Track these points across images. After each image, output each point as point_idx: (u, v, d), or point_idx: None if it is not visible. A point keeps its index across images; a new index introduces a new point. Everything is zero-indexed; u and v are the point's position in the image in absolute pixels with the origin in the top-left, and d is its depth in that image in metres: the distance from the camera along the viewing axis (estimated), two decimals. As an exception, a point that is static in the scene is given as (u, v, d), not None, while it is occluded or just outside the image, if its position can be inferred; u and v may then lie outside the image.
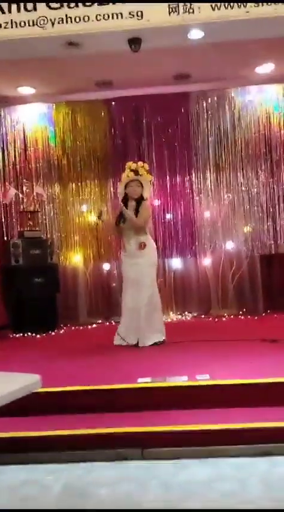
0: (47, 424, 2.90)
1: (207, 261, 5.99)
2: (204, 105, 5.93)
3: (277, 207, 5.88)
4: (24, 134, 6.05)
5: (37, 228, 5.82)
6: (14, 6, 3.92)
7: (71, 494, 2.38)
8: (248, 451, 2.67)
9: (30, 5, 3.91)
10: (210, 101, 5.92)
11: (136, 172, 4.37)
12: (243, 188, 5.90)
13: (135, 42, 4.03)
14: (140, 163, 4.44)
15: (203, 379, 3.20)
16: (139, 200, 4.39)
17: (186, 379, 3.21)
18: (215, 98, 5.92)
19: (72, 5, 3.89)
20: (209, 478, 2.46)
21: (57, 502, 2.31)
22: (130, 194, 4.41)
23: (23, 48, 4.15)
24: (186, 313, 5.95)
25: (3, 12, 3.94)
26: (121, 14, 3.88)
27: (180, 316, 5.87)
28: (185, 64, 5.23)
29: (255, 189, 5.89)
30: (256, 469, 2.52)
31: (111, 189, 6.03)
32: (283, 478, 2.42)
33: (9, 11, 3.95)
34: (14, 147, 6.05)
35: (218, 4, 3.82)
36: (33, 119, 6.03)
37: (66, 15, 3.91)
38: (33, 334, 5.31)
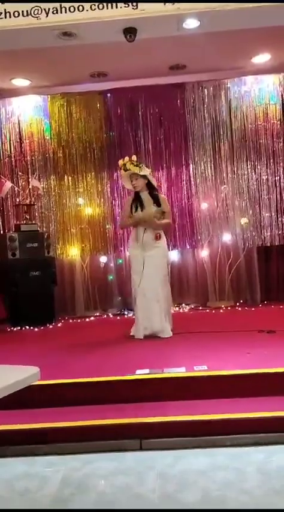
0: (45, 417, 2.91)
1: (204, 253, 5.99)
2: (200, 95, 5.89)
3: (274, 198, 5.87)
4: (19, 127, 5.99)
5: (33, 221, 5.79)
6: (7, -4, 3.88)
7: (69, 485, 2.40)
8: (245, 440, 2.69)
9: (24, -5, 3.87)
10: (206, 91, 5.89)
11: (125, 168, 4.33)
12: (240, 179, 5.88)
13: (130, 32, 4.00)
14: (126, 158, 4.36)
15: (201, 370, 3.21)
16: (151, 191, 4.37)
17: (184, 370, 3.23)
18: (212, 89, 5.88)
19: (67, -6, 3.85)
20: (207, 468, 2.48)
21: (56, 494, 2.33)
22: (134, 189, 4.40)
23: (17, 38, 4.11)
24: (183, 305, 5.96)
25: (-3, 3, 3.89)
26: (116, 3, 3.83)
27: (177, 308, 5.88)
28: (181, 55, 5.18)
29: (252, 180, 5.87)
30: (253, 459, 2.54)
31: (108, 181, 6.00)
32: (280, 467, 2.44)
33: (3, 1, 3.90)
34: (9, 139, 6.00)
35: (214, -7, 3.79)
36: (28, 111, 5.98)
37: (61, 5, 3.87)
38: (31, 328, 5.32)
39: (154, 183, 4.49)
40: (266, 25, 4.20)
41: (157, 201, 4.36)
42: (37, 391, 2.74)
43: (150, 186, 4.39)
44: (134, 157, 4.39)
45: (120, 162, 4.38)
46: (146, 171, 4.36)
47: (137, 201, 4.37)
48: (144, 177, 4.34)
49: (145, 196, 4.37)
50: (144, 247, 4.33)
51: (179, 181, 5.97)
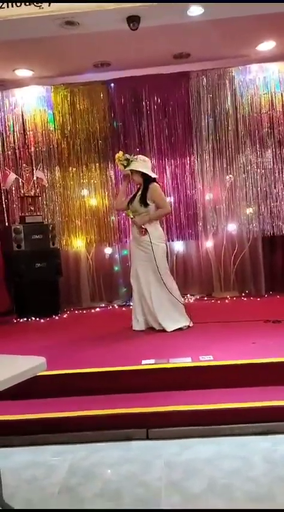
0: (52, 406, 2.94)
1: (208, 244, 5.97)
2: (205, 84, 5.82)
3: (279, 187, 5.82)
4: (22, 118, 5.96)
5: (38, 213, 5.79)
6: (9, -14, 3.84)
7: (76, 474, 2.42)
8: (251, 430, 2.71)
9: (26, -16, 3.82)
10: (210, 80, 5.82)
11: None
12: (245, 169, 5.83)
13: (133, 20, 3.96)
14: (117, 155, 4.33)
15: (206, 360, 3.22)
16: (145, 183, 4.26)
17: (190, 361, 3.24)
18: (216, 77, 5.82)
19: (69, -18, 3.80)
20: (213, 456, 2.50)
21: (63, 482, 2.36)
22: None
23: (20, 28, 4.07)
24: (189, 295, 5.95)
25: (-1, -8, 3.86)
26: (119, -9, 3.79)
27: (182, 300, 5.86)
28: (185, 43, 5.12)
29: (257, 170, 5.82)
30: (259, 448, 2.56)
31: (112, 171, 5.97)
32: (286, 455, 2.45)
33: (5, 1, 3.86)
34: (13, 131, 5.97)
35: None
36: (32, 102, 5.94)
37: (63, -6, 3.83)
38: (37, 319, 5.35)
39: (151, 173, 4.32)
40: (271, 12, 4.14)
41: (143, 193, 4.22)
42: (43, 381, 2.76)
43: (146, 178, 4.26)
44: (120, 154, 4.31)
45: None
46: (137, 165, 4.24)
47: (134, 195, 4.37)
48: (138, 171, 4.24)
49: (140, 189, 4.31)
50: (134, 240, 4.35)
51: (183, 171, 5.92)
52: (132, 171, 4.28)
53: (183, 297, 5.90)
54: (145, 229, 4.21)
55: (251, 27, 4.70)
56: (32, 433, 2.78)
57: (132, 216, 4.29)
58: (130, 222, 4.56)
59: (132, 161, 4.27)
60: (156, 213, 4.27)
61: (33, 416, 2.85)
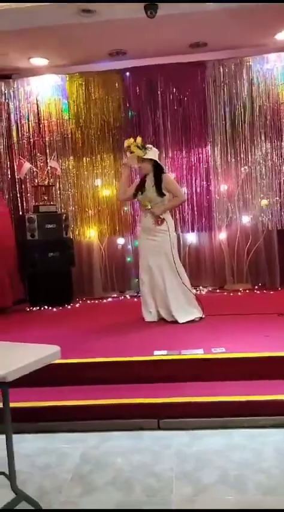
0: (65, 395, 2.97)
1: (222, 235, 5.93)
2: (221, 74, 5.74)
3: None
4: (37, 107, 5.96)
5: (52, 203, 5.81)
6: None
7: (88, 462, 2.45)
8: (263, 422, 2.70)
9: (41, -28, 3.80)
10: (227, 69, 5.73)
11: (130, 151, 4.25)
12: (260, 160, 5.75)
13: (151, 8, 3.90)
14: (131, 140, 4.28)
15: (219, 352, 3.21)
16: (156, 173, 4.25)
17: (202, 352, 3.24)
18: (233, 67, 5.73)
19: None
20: (224, 448, 2.50)
21: (75, 470, 2.38)
22: (142, 171, 4.37)
23: (36, 16, 4.06)
24: (201, 287, 5.93)
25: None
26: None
27: (194, 291, 5.82)
28: (201, 32, 5.04)
29: (273, 161, 5.74)
30: (271, 440, 2.55)
31: (125, 161, 5.93)
32: (298, 449, 2.44)
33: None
34: (28, 120, 5.97)
35: None
36: (46, 91, 5.93)
37: (80, -19, 3.79)
38: (50, 308, 5.39)
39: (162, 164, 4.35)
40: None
41: (158, 183, 4.21)
42: (57, 370, 2.77)
43: (157, 168, 4.26)
44: (139, 139, 4.27)
45: (126, 143, 4.30)
46: (152, 154, 4.23)
47: (142, 184, 4.32)
48: (151, 160, 4.23)
49: (149, 179, 4.28)
50: (145, 231, 4.31)
51: (198, 161, 5.87)
52: (143, 159, 4.25)
53: (194, 288, 5.91)
54: (163, 218, 4.22)
55: (270, 15, 4.60)
56: (44, 421, 2.82)
57: (149, 207, 4.26)
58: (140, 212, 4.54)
59: (146, 150, 4.26)
60: (171, 203, 4.29)
61: (45, 403, 2.89)
